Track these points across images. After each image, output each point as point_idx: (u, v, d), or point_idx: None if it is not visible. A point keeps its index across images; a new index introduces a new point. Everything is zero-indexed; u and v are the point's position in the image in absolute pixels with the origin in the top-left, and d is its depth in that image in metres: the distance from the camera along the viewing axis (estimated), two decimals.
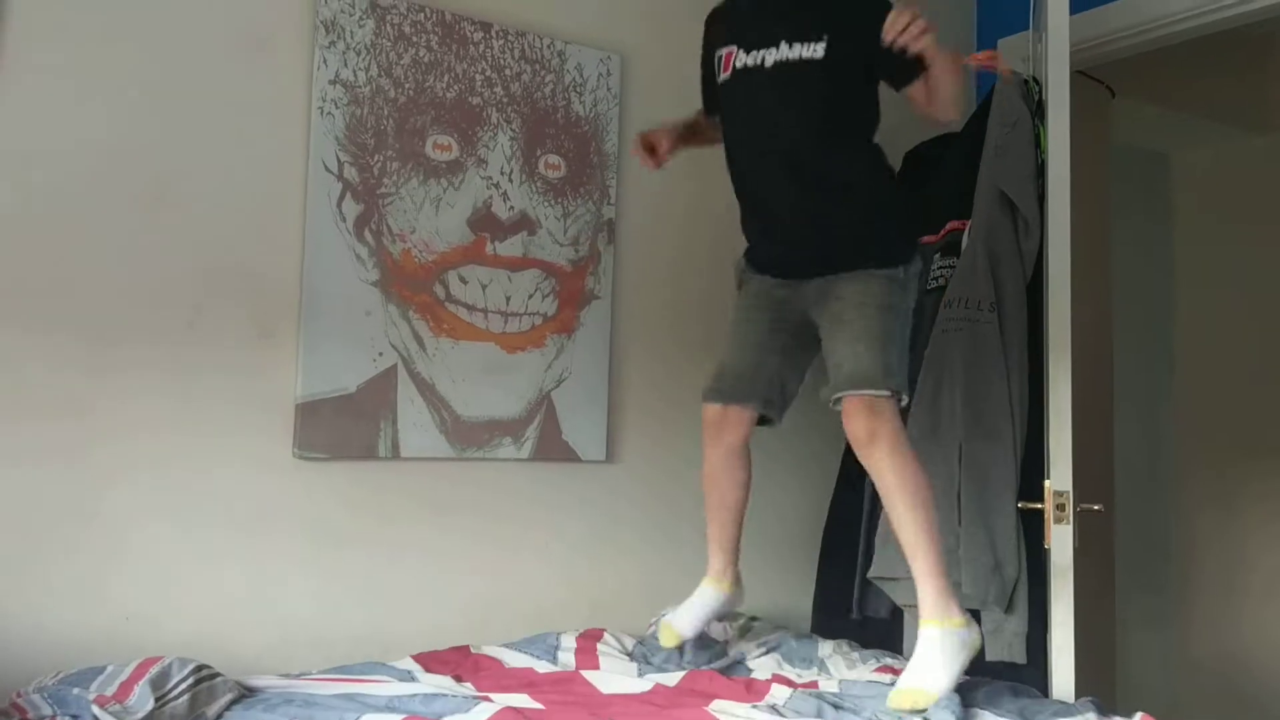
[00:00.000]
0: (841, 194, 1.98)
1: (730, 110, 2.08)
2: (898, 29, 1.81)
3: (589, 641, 2.29)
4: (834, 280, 1.97)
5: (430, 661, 2.14)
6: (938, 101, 1.92)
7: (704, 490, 2.17)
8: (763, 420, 2.11)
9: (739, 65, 2.02)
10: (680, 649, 2.21)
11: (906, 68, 1.89)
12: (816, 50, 1.93)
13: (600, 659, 2.21)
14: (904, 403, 1.93)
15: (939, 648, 1.84)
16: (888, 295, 1.94)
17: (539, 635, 2.33)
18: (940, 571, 1.88)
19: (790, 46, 1.95)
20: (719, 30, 2.12)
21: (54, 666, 1.83)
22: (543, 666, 2.17)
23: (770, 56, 1.97)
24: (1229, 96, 4.00)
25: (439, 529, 2.40)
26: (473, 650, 2.23)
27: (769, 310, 2.08)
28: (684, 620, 2.14)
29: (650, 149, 2.17)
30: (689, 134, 2.22)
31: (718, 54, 2.08)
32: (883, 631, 2.65)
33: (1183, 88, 3.87)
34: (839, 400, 1.90)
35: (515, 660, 2.20)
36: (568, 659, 2.21)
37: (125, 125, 2.08)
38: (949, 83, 1.89)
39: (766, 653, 2.33)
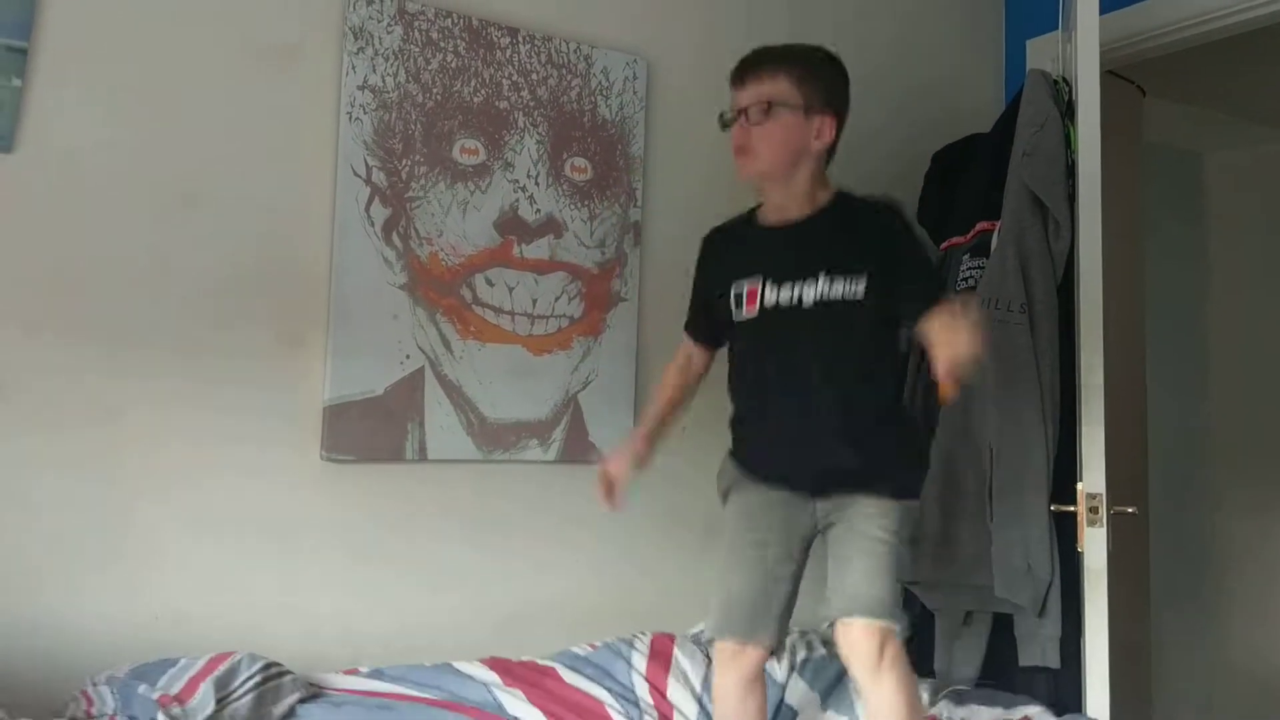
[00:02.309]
0: (874, 418, 1.93)
1: (756, 345, 1.98)
2: (946, 379, 1.72)
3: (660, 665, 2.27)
4: (852, 503, 1.90)
5: (508, 675, 2.13)
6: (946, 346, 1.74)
7: (714, 712, 2.06)
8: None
9: (769, 303, 1.93)
10: None
11: (917, 308, 1.83)
12: (858, 290, 1.87)
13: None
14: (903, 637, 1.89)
15: None
16: (904, 527, 1.89)
17: (610, 653, 2.30)
18: None
19: (830, 283, 1.88)
20: (732, 257, 2.04)
21: (65, 665, 1.83)
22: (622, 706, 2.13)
23: (809, 293, 1.89)
24: (1263, 95, 3.96)
25: (466, 531, 2.40)
26: (540, 663, 2.23)
27: (775, 539, 1.97)
28: None
29: (610, 487, 2.09)
30: (667, 414, 2.16)
31: (735, 290, 1.97)
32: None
33: (1215, 86, 3.83)
34: (830, 620, 1.88)
35: (593, 689, 2.19)
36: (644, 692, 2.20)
37: (156, 133, 2.10)
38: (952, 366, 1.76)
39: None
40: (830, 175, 2.03)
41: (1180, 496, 4.22)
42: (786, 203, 1.97)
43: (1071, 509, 2.25)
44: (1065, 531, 2.32)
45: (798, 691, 2.33)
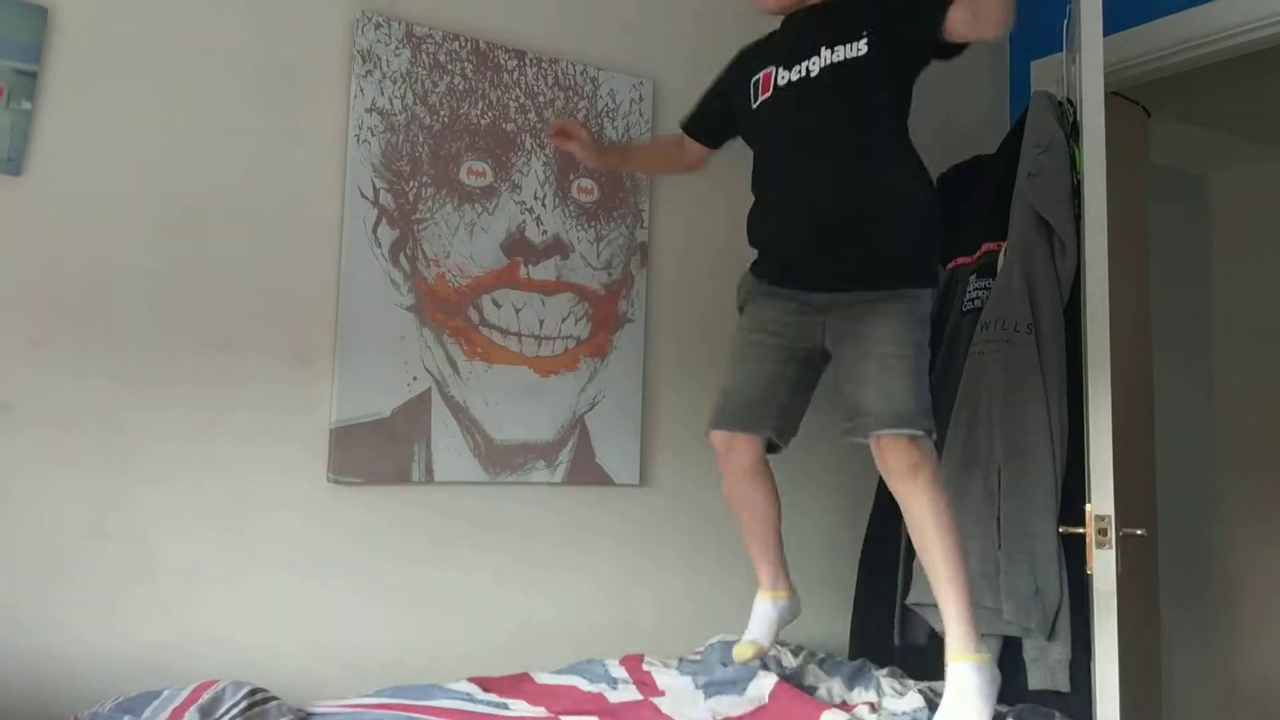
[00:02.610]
0: (894, 204, 1.92)
1: (773, 126, 2.02)
2: None
3: (637, 665, 2.27)
4: (858, 308, 1.91)
5: (489, 685, 2.12)
6: (981, 12, 1.81)
7: (734, 512, 2.15)
8: (770, 447, 2.08)
9: (781, 82, 1.98)
10: (762, 663, 2.20)
11: (935, 10, 1.84)
12: (859, 48, 1.89)
13: (658, 682, 2.20)
14: (934, 438, 1.89)
15: (974, 684, 1.81)
16: (917, 332, 1.90)
17: (584, 662, 2.29)
18: (969, 608, 1.86)
19: (832, 51, 1.91)
20: (752, 59, 2.10)
21: (82, 690, 1.84)
22: (613, 696, 2.13)
23: (815, 65, 1.93)
24: (1267, 115, 3.96)
25: (473, 553, 2.39)
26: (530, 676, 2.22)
27: (779, 337, 2.01)
28: (757, 633, 2.13)
29: (564, 134, 2.20)
30: (619, 152, 2.30)
31: (753, 79, 2.05)
32: (920, 657, 2.61)
33: (1220, 107, 3.84)
34: (861, 434, 1.87)
35: (581, 685, 2.18)
36: (629, 690, 2.18)
37: (164, 154, 2.11)
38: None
39: (829, 677, 2.30)
40: None
41: (1189, 518, 4.20)
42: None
43: (1080, 531, 2.24)
44: (1074, 554, 2.31)
45: (815, 674, 2.33)
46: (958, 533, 1.88)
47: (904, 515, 1.90)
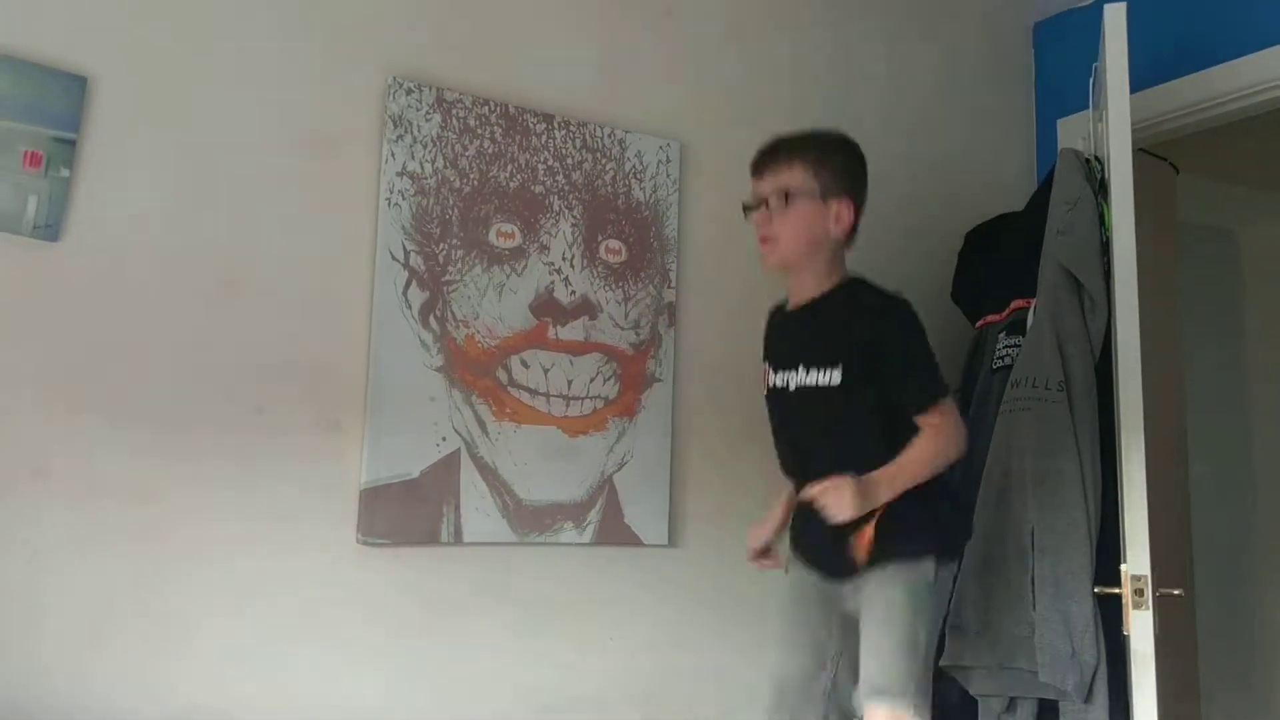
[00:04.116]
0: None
1: (772, 423, 2.12)
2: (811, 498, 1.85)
3: None
4: (866, 583, 1.93)
5: None
6: (937, 444, 1.91)
7: None
8: None
9: (770, 384, 2.09)
10: None
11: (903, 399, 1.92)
12: (834, 378, 1.94)
13: None
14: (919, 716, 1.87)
15: None
16: (916, 597, 1.90)
17: None
18: None
19: (808, 372, 1.97)
20: (767, 336, 2.17)
21: None
22: None
23: (793, 380, 2.00)
24: None
25: (501, 614, 2.38)
26: None
27: (816, 613, 2.04)
28: None
29: (765, 553, 2.17)
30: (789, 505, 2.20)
31: (761, 367, 2.14)
32: (955, 717, 2.57)
33: (1248, 162, 3.83)
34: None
35: None
36: None
37: (199, 218, 2.14)
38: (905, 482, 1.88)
39: None
40: (857, 257, 2.08)
41: (1227, 578, 4.12)
42: (804, 285, 2.04)
43: (1116, 591, 2.21)
44: (1110, 614, 2.27)
45: None
46: None
47: None
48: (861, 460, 1.90)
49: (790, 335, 2.07)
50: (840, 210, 1.99)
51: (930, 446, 1.90)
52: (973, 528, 2.26)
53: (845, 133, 2.09)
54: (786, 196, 1.98)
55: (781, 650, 2.04)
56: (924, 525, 1.96)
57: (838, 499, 1.82)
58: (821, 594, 2.03)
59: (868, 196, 2.06)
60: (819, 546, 2.02)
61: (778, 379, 2.05)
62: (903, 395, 1.91)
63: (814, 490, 1.85)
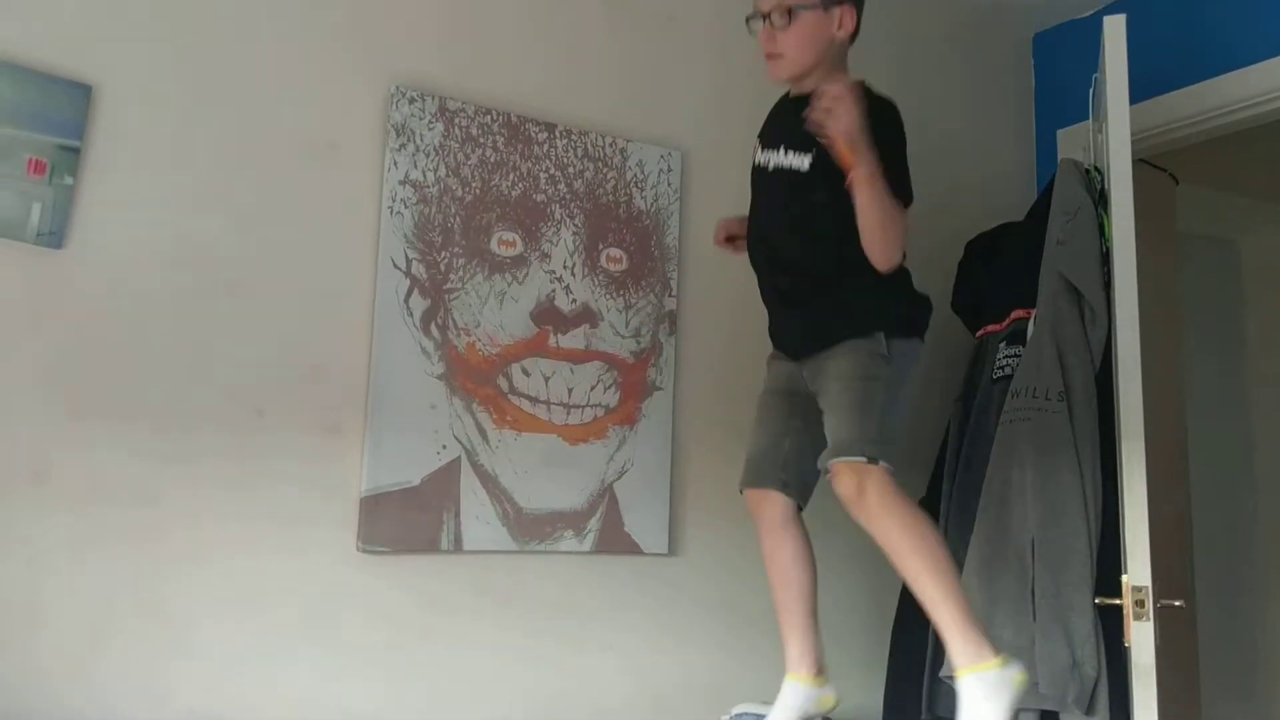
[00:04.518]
0: (827, 287, 2.04)
1: (752, 201, 2.19)
2: (812, 115, 1.85)
3: None
4: (822, 357, 2.01)
5: None
6: (862, 231, 1.91)
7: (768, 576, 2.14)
8: (796, 501, 2.10)
9: (754, 162, 2.15)
10: None
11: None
12: (804, 162, 2.01)
13: None
14: (887, 468, 1.87)
15: (981, 696, 1.76)
16: (867, 366, 1.95)
17: None
18: (964, 617, 1.81)
19: (784, 154, 2.05)
20: (765, 124, 2.22)
21: None
22: None
23: (773, 159, 2.08)
24: None
25: (501, 623, 2.38)
26: None
27: (784, 391, 2.13)
28: None
29: (730, 241, 2.27)
30: None
31: (753, 141, 2.20)
32: None
33: (1248, 173, 3.83)
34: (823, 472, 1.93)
35: None
36: None
37: (202, 225, 2.15)
38: (868, 207, 1.88)
39: None
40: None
41: (1228, 590, 4.11)
42: (807, 82, 2.06)
43: (1117, 602, 2.21)
44: (1111, 626, 2.27)
45: None
46: (934, 546, 1.86)
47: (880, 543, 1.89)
48: (817, 253, 2.02)
49: (782, 118, 2.11)
50: (843, 16, 2.04)
51: (892, 208, 1.91)
52: (931, 304, 2.19)
53: None
54: (789, 13, 2.00)
55: (751, 435, 2.14)
56: (870, 307, 2.00)
57: (847, 105, 1.83)
58: (786, 383, 2.11)
59: None
60: (786, 330, 2.14)
61: (761, 157, 2.12)
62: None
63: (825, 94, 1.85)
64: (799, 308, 2.10)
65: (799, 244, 2.06)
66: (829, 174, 1.93)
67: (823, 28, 2.02)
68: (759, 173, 2.15)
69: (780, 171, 2.06)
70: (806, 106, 1.94)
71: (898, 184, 1.93)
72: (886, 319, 2.00)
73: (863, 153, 1.85)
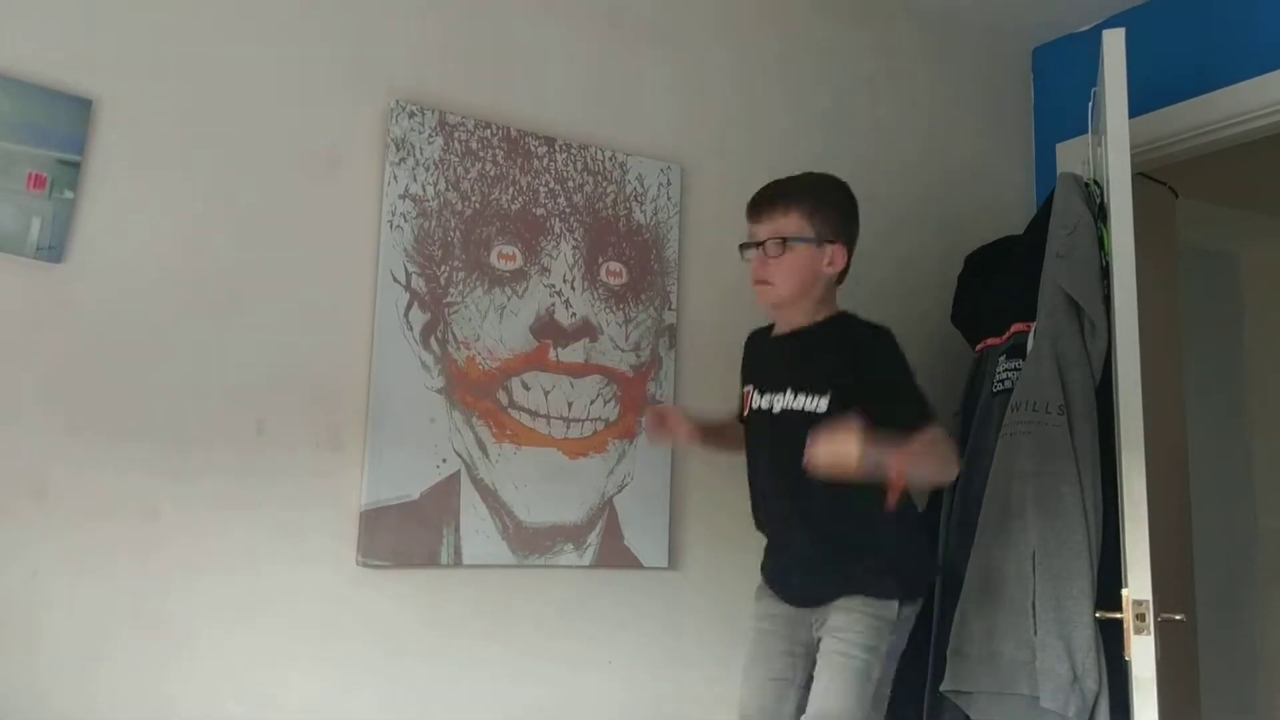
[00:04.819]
0: (838, 549, 2.04)
1: (749, 446, 2.19)
2: (810, 461, 1.82)
3: None
4: (829, 614, 2.01)
5: None
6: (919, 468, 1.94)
7: None
8: None
9: (753, 406, 2.15)
10: None
11: (893, 424, 1.89)
12: (820, 405, 2.00)
13: None
14: None
15: None
16: (873, 635, 1.96)
17: None
18: None
19: (795, 397, 2.03)
20: (749, 361, 2.26)
21: None
22: None
23: (779, 403, 2.07)
24: None
25: (501, 637, 2.37)
26: None
27: (783, 636, 2.12)
28: None
29: (660, 421, 2.25)
30: (713, 431, 2.29)
31: (742, 389, 2.21)
32: None
33: (1248, 186, 3.84)
34: None
35: None
36: None
37: (202, 239, 2.15)
38: (920, 478, 1.97)
39: None
40: (858, 277, 2.17)
41: (1228, 603, 4.10)
42: (794, 317, 2.13)
43: (1118, 616, 2.20)
44: (1112, 639, 2.26)
45: None
46: None
47: None
48: (839, 504, 1.98)
49: (778, 360, 2.13)
50: (834, 254, 2.09)
51: (931, 447, 1.91)
52: (937, 567, 2.32)
53: (838, 177, 2.17)
54: (784, 242, 2.06)
55: (744, 679, 2.13)
56: (896, 565, 2.02)
57: (844, 440, 1.79)
58: (785, 625, 2.10)
59: (859, 234, 2.16)
60: (790, 577, 2.11)
61: (762, 401, 2.11)
62: (894, 419, 1.90)
63: (820, 444, 1.81)
64: (804, 568, 2.09)
65: (814, 487, 1.93)
66: (848, 409, 1.92)
67: (814, 262, 2.08)
68: (755, 419, 2.14)
69: (789, 415, 2.04)
70: (803, 346, 2.07)
71: (917, 414, 1.95)
72: (903, 587, 2.02)
73: (885, 460, 1.82)
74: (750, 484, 2.19)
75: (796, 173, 2.21)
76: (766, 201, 2.13)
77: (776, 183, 2.15)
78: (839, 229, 2.10)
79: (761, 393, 2.12)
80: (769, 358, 2.17)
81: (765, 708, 2.07)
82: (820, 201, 2.10)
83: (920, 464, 1.90)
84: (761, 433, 2.13)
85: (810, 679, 2.04)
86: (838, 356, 2.02)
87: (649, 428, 2.24)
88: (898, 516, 1.99)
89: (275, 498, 2.16)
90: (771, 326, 2.22)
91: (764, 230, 2.10)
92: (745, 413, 2.19)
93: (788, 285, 2.08)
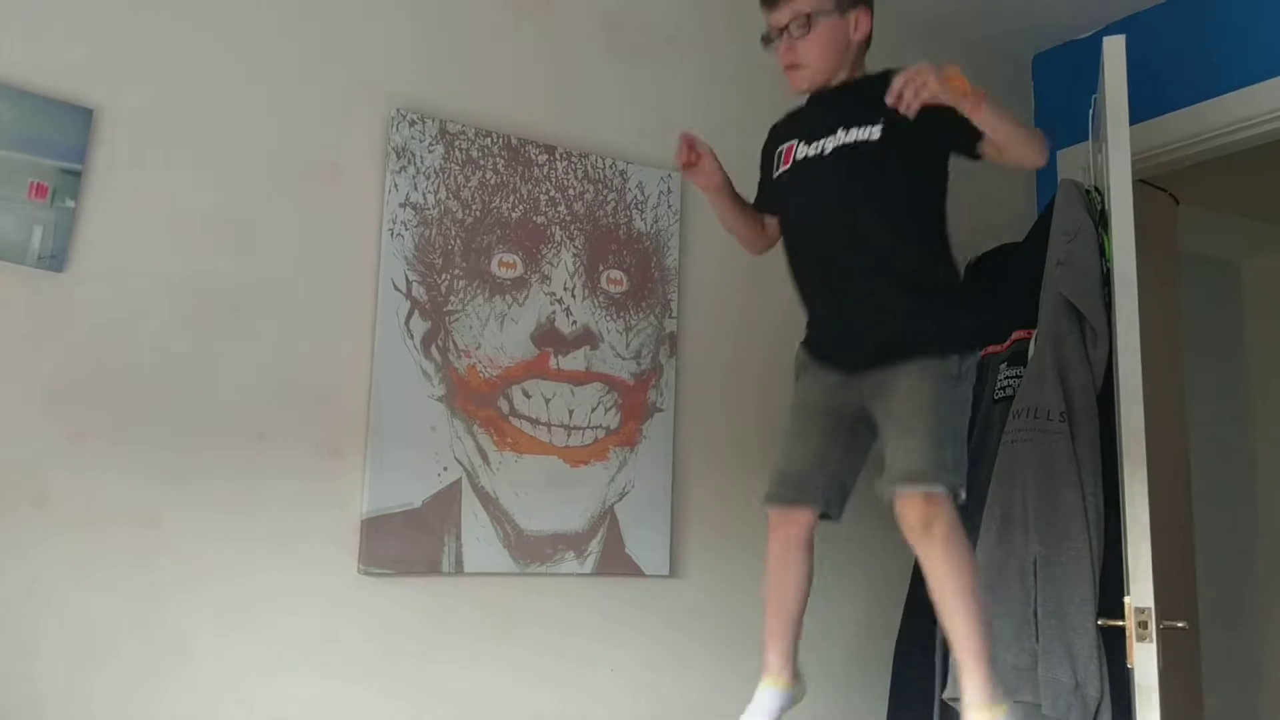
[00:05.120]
0: (904, 281, 1.96)
1: (790, 199, 2.10)
2: (895, 93, 1.79)
3: None
4: (890, 372, 1.93)
5: None
6: (1010, 154, 1.91)
7: (768, 580, 2.09)
8: (823, 515, 2.05)
9: (799, 156, 2.05)
10: None
11: (959, 130, 1.87)
12: (873, 133, 1.94)
13: None
14: (960, 499, 1.86)
15: None
16: (942, 389, 1.90)
17: None
18: (987, 660, 1.82)
19: (847, 132, 1.97)
20: (781, 132, 2.16)
21: None
22: None
23: (830, 143, 2.00)
24: None
25: (502, 645, 2.37)
26: None
27: (827, 407, 2.04)
28: None
29: (690, 147, 2.16)
30: (735, 199, 2.20)
31: (778, 150, 2.11)
32: None
33: (1249, 193, 3.84)
34: (885, 494, 1.87)
35: None
36: None
37: (202, 247, 2.16)
38: (1003, 128, 1.86)
39: None
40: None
41: (1230, 610, 4.10)
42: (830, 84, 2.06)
43: (1120, 623, 2.20)
44: (1114, 647, 2.26)
45: None
46: (975, 586, 1.86)
47: (924, 571, 1.87)
48: (898, 227, 1.94)
49: (822, 110, 2.06)
50: (858, 19, 2.04)
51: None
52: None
53: None
54: (807, 19, 2.00)
55: (784, 448, 2.04)
56: (950, 322, 1.96)
57: (918, 69, 1.78)
58: (829, 397, 2.02)
59: None
60: (848, 338, 2.01)
61: (810, 150, 2.02)
62: (959, 135, 1.89)
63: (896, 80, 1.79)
64: (869, 311, 1.98)
65: (877, 217, 1.95)
66: (900, 145, 1.91)
67: (840, 32, 2.03)
68: (803, 168, 2.05)
69: (843, 151, 1.98)
70: (845, 94, 2.00)
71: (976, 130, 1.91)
72: (964, 338, 1.97)
73: (961, 86, 1.81)
74: (796, 256, 2.08)
75: None
76: None
77: None
78: None
79: (809, 142, 2.03)
80: (811, 114, 2.09)
81: (806, 472, 2.01)
82: None
83: (1003, 117, 1.85)
84: (811, 180, 2.03)
85: (850, 449, 2.02)
86: (884, 92, 1.90)
87: (680, 154, 2.15)
88: (948, 260, 1.99)
89: (276, 505, 2.16)
90: (801, 109, 2.14)
91: (784, 14, 2.02)
92: (785, 169, 2.08)
93: (821, 62, 2.02)
